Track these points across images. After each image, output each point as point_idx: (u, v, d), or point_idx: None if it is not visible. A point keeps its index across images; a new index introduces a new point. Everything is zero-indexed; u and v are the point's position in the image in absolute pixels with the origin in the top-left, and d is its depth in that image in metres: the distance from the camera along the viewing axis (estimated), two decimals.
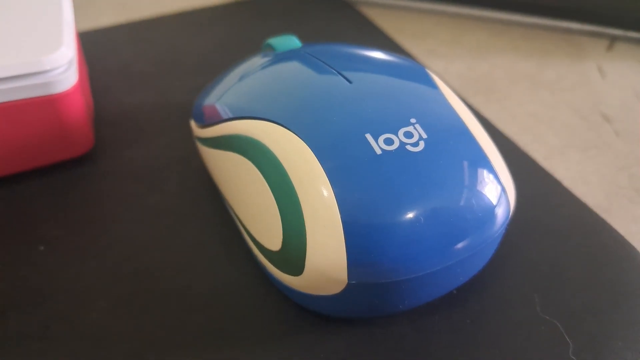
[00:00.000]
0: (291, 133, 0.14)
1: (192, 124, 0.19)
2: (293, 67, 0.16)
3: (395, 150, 0.13)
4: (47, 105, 0.18)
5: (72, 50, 0.18)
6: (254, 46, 0.27)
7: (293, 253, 0.13)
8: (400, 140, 0.13)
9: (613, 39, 0.29)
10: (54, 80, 0.18)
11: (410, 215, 0.12)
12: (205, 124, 0.17)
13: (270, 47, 0.19)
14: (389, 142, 0.13)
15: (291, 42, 0.19)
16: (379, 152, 0.13)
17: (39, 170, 0.20)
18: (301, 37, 0.19)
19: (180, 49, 0.28)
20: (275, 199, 0.13)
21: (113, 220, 0.18)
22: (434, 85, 0.16)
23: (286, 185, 0.13)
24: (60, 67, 0.18)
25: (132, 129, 0.22)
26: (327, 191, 0.12)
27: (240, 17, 0.31)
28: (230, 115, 0.16)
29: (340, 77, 0.15)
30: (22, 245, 0.17)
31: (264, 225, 0.14)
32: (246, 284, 0.16)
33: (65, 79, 0.18)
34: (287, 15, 0.31)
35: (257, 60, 0.18)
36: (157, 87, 0.25)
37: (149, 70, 0.26)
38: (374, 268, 0.12)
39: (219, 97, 0.17)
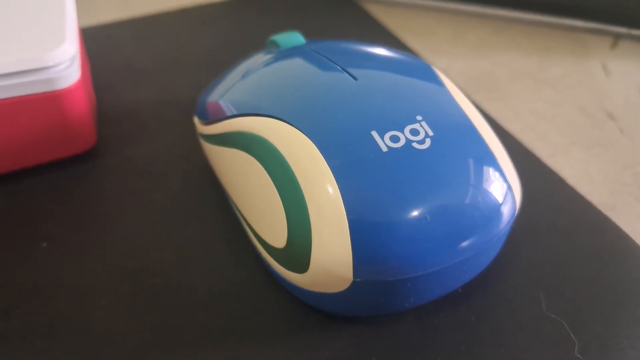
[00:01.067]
0: (296, 130, 0.14)
1: (196, 120, 0.19)
2: (298, 64, 0.16)
3: (401, 147, 0.13)
4: (50, 102, 0.18)
5: (75, 47, 0.18)
6: (258, 43, 0.27)
7: (298, 250, 0.13)
8: (406, 138, 0.13)
9: (617, 37, 0.29)
10: (57, 77, 0.18)
11: (416, 212, 0.12)
12: (209, 120, 0.17)
13: (275, 44, 0.19)
14: (395, 139, 0.13)
15: (295, 38, 0.18)
16: (385, 149, 0.13)
17: (42, 167, 0.20)
18: (305, 34, 0.19)
19: (183, 46, 0.28)
20: (280, 196, 0.13)
21: (116, 217, 0.18)
22: (440, 83, 0.15)
23: (291, 183, 0.13)
24: (63, 63, 0.18)
25: (135, 126, 0.22)
26: (332, 188, 0.12)
27: (243, 14, 0.31)
28: (235, 112, 0.16)
29: (345, 74, 0.15)
30: (25, 243, 0.17)
31: (268, 223, 0.14)
32: (250, 281, 0.16)
33: (68, 75, 0.18)
34: (290, 12, 0.31)
35: (261, 57, 0.18)
36: (160, 84, 0.25)
37: (152, 67, 0.26)
38: (380, 266, 0.12)
39: (222, 94, 0.17)
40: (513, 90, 0.25)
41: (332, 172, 0.13)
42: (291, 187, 0.13)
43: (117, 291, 0.16)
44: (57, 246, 0.17)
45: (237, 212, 0.17)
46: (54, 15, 0.19)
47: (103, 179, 0.20)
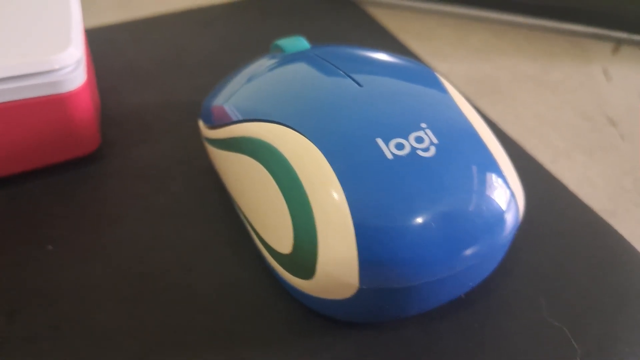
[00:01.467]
0: (301, 136, 0.14)
1: (201, 124, 0.19)
2: (302, 70, 0.16)
3: (406, 155, 0.13)
4: (55, 105, 0.18)
5: (81, 50, 0.18)
6: (259, 45, 0.27)
7: (304, 257, 0.13)
8: (411, 145, 0.13)
9: (618, 42, 0.29)
10: (63, 80, 0.18)
11: (421, 220, 0.12)
12: (214, 125, 0.17)
13: (279, 48, 0.19)
14: (399, 146, 0.13)
15: (300, 43, 0.19)
16: (390, 156, 0.13)
17: (45, 169, 0.20)
18: (307, 36, 0.19)
19: (184, 48, 0.28)
20: (286, 202, 0.13)
21: (119, 220, 0.18)
22: (443, 89, 0.16)
23: (297, 189, 0.13)
24: (69, 67, 0.18)
25: (138, 128, 0.22)
26: (338, 195, 0.13)
27: (244, 16, 0.31)
28: (240, 117, 0.16)
29: (349, 80, 0.15)
30: (29, 245, 0.17)
31: (274, 228, 0.14)
32: (254, 285, 0.16)
33: (74, 78, 0.18)
34: (291, 14, 0.31)
35: (266, 62, 0.18)
36: (162, 86, 0.25)
37: (154, 69, 0.26)
38: (386, 273, 0.12)
39: (227, 99, 0.17)
40: (515, 94, 0.25)
41: (338, 179, 0.13)
42: (297, 193, 0.13)
43: (120, 293, 0.16)
44: (61, 249, 0.17)
45: (242, 216, 0.17)
46: (60, 18, 0.19)
47: (106, 182, 0.20)
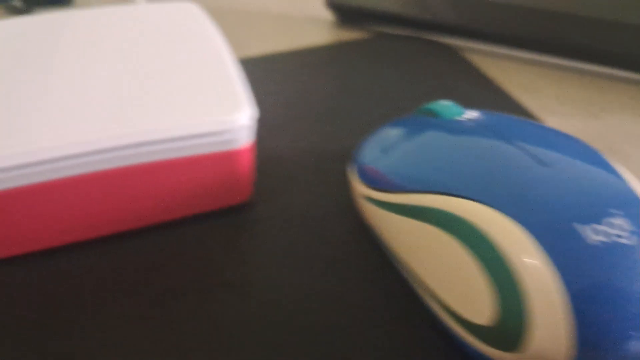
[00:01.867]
0: (498, 212, 0.15)
1: (356, 182, 0.20)
2: (477, 142, 0.17)
3: (607, 240, 0.14)
4: (227, 159, 0.19)
5: (254, 109, 0.19)
6: (374, 89, 0.28)
7: (509, 330, 0.14)
8: (608, 232, 0.14)
9: None
10: (237, 137, 0.19)
11: (633, 302, 0.13)
12: (380, 187, 0.18)
13: (432, 112, 0.20)
14: (598, 232, 0.14)
15: (455, 109, 0.20)
16: (594, 242, 0.14)
17: (198, 215, 0.21)
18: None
19: (304, 90, 0.29)
20: (488, 275, 0.14)
21: (268, 269, 0.19)
22: (614, 171, 0.16)
23: (500, 263, 0.14)
24: (244, 126, 0.19)
25: (280, 176, 0.23)
26: (549, 271, 0.13)
27: (349, 58, 0.32)
28: (421, 187, 0.17)
29: (529, 157, 0.16)
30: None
31: (466, 299, 0.15)
32: (427, 349, 0.17)
33: (246, 136, 0.19)
34: (389, 55, 0.32)
35: (425, 126, 0.19)
36: (293, 131, 0.26)
37: (280, 112, 0.27)
38: (599, 353, 0.13)
39: (394, 163, 0.18)
40: (628, 153, 0.26)
41: (548, 257, 0.14)
42: (500, 267, 0.14)
43: (269, 344, 0.17)
44: (204, 293, 0.18)
45: (410, 278, 0.18)
46: (226, 79, 0.20)
47: (254, 229, 0.21)
